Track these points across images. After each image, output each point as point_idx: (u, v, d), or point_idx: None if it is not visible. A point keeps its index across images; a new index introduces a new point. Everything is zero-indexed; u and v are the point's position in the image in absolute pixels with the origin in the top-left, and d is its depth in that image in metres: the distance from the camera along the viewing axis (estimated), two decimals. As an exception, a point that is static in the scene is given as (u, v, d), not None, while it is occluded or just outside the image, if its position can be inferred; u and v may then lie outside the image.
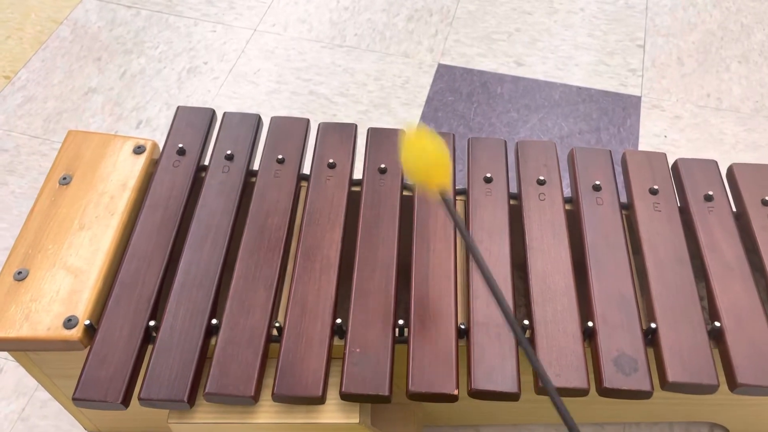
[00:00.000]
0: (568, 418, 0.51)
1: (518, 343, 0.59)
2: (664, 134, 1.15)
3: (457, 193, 0.76)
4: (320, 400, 0.60)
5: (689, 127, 1.16)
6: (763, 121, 1.17)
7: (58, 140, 1.13)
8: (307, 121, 0.81)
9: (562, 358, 0.62)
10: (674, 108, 1.19)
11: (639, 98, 1.20)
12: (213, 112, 0.81)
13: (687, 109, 1.19)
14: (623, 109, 1.19)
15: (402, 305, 0.66)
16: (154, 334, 0.64)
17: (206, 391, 0.60)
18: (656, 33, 1.32)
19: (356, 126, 0.80)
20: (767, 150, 1.13)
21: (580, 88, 1.22)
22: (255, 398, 0.61)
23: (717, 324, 0.64)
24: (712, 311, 0.66)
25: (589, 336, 0.64)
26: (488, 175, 0.75)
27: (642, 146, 1.13)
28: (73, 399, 0.60)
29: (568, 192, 0.78)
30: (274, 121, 0.81)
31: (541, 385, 0.54)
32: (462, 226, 0.56)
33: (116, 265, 0.68)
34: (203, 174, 0.76)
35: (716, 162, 0.78)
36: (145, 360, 0.63)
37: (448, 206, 0.57)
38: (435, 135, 0.58)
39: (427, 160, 0.57)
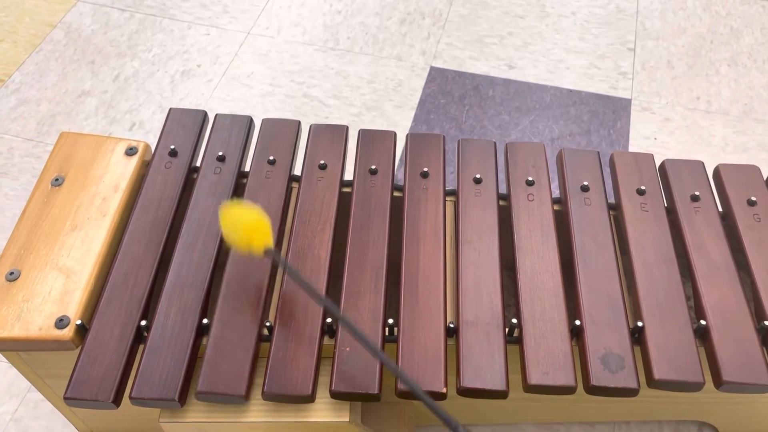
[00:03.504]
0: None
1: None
2: (654, 136, 1.16)
3: (447, 193, 0.76)
4: (310, 398, 0.61)
5: (679, 129, 1.17)
6: (752, 124, 1.18)
7: (52, 143, 1.13)
8: (298, 122, 0.81)
9: (549, 356, 0.63)
10: (664, 110, 1.20)
11: (629, 101, 1.21)
12: (205, 114, 0.82)
13: (677, 111, 1.20)
14: (614, 111, 1.20)
15: (392, 305, 0.67)
16: (146, 334, 0.64)
17: (198, 389, 0.61)
18: (646, 36, 1.33)
19: (347, 128, 0.81)
20: (756, 152, 1.14)
21: (571, 90, 1.23)
22: (246, 397, 0.61)
23: (703, 322, 0.65)
24: (698, 310, 0.67)
25: (577, 334, 0.65)
26: (478, 176, 0.76)
27: (632, 148, 1.14)
28: (65, 398, 0.60)
29: (556, 193, 0.79)
30: (266, 122, 0.81)
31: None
32: (297, 275, 0.63)
33: (108, 265, 0.69)
34: (195, 175, 0.76)
35: (703, 163, 0.79)
36: (136, 359, 0.63)
37: (276, 260, 0.64)
38: (246, 206, 0.65)
39: (244, 229, 0.63)
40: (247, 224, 0.63)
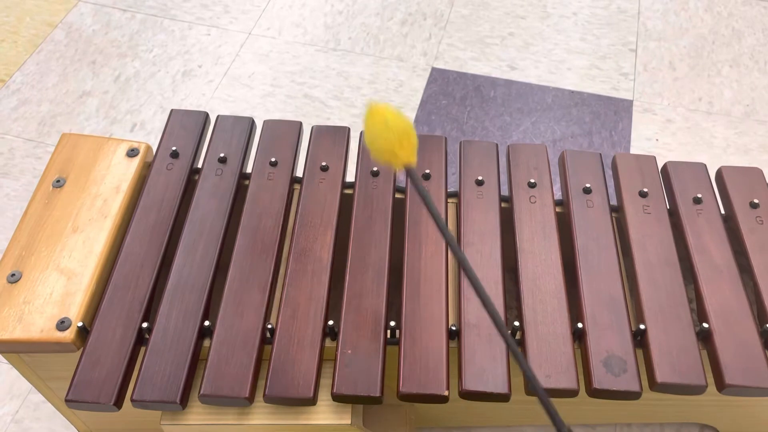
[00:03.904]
0: (559, 421, 0.51)
1: (508, 348, 0.57)
2: (656, 138, 1.16)
3: (448, 195, 0.76)
4: (312, 401, 0.61)
5: (681, 130, 1.17)
6: (754, 125, 1.18)
7: (53, 143, 1.13)
8: (300, 123, 0.81)
9: (551, 359, 0.62)
10: (666, 112, 1.20)
11: (631, 102, 1.21)
12: (206, 115, 0.81)
13: (678, 112, 1.20)
14: (615, 112, 1.20)
15: (393, 307, 0.67)
16: (147, 336, 0.64)
17: (201, 392, 0.60)
18: (648, 37, 1.33)
19: (349, 129, 0.81)
20: (757, 153, 1.14)
21: (572, 92, 1.23)
22: (250, 399, 0.61)
23: (705, 325, 0.65)
24: (700, 313, 0.67)
25: (579, 337, 0.65)
26: (480, 177, 0.76)
27: (634, 150, 1.14)
28: (66, 400, 0.60)
29: (558, 195, 0.79)
30: (267, 124, 0.81)
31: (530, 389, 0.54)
32: (432, 205, 0.54)
33: (109, 267, 0.69)
34: (196, 177, 0.76)
35: (705, 165, 0.79)
36: (137, 361, 0.63)
37: (413, 179, 0.55)
38: (397, 112, 0.56)
39: (391, 136, 0.54)
40: (399, 130, 0.55)
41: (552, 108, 1.20)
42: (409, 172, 0.55)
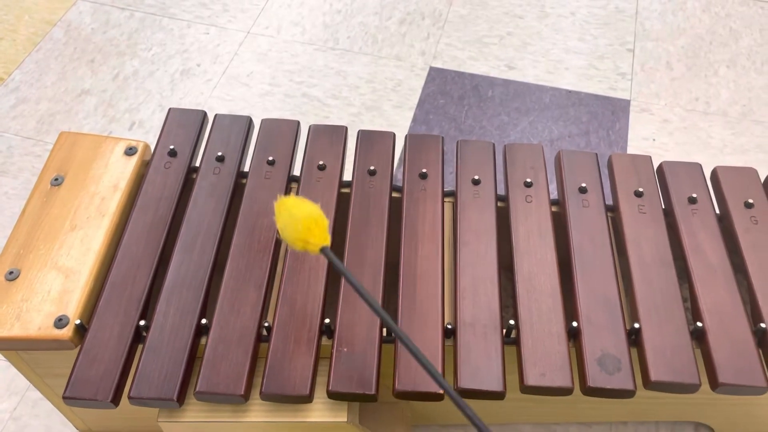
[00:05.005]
0: (473, 416, 0.52)
1: (398, 338, 0.58)
2: (653, 138, 1.16)
3: (445, 194, 0.76)
4: (308, 399, 0.61)
5: (678, 130, 1.18)
6: (751, 125, 1.18)
7: (51, 141, 1.13)
8: (297, 122, 0.81)
9: (546, 357, 0.63)
10: (663, 112, 1.20)
11: (628, 102, 1.22)
12: (204, 114, 0.82)
13: (675, 112, 1.20)
14: (612, 112, 1.20)
15: (390, 305, 0.67)
16: (145, 334, 0.64)
17: (197, 390, 0.61)
18: (646, 37, 1.33)
19: (346, 128, 0.81)
20: (754, 154, 1.14)
21: (570, 91, 1.23)
22: (245, 397, 0.61)
23: (699, 324, 0.65)
24: (694, 312, 0.67)
25: (574, 336, 0.65)
26: (476, 177, 0.76)
27: (631, 149, 1.14)
28: (64, 398, 0.60)
29: (554, 194, 0.79)
30: (265, 123, 0.81)
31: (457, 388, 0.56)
32: (349, 277, 0.58)
33: (107, 265, 0.69)
34: (194, 175, 0.77)
35: (700, 165, 0.79)
36: (135, 359, 0.64)
37: (330, 259, 0.59)
38: (300, 200, 0.61)
39: (298, 225, 0.59)
40: (304, 219, 0.59)
41: (550, 107, 1.20)
42: (324, 253, 0.59)
